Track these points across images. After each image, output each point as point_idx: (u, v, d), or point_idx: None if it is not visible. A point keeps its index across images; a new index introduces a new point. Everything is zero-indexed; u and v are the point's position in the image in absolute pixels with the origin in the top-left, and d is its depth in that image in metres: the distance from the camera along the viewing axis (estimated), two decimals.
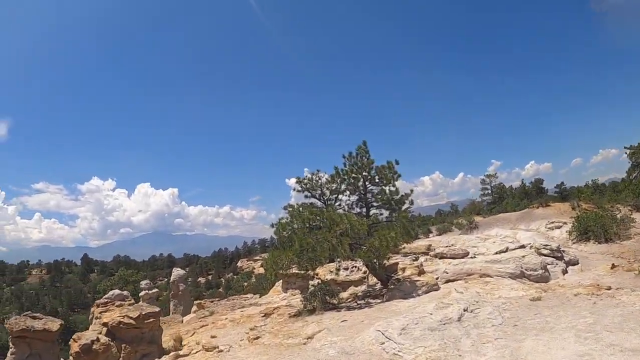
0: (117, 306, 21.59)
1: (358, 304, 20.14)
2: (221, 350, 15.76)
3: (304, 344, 14.74)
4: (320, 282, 23.39)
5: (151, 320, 17.40)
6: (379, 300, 20.02)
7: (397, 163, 22.97)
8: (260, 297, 34.74)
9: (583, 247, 32.05)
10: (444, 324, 13.51)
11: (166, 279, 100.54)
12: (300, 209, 21.57)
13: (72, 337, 14.69)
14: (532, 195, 66.49)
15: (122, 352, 16.85)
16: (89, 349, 13.60)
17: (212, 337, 19.56)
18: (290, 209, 21.65)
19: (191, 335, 21.22)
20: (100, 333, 17.06)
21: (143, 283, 45.36)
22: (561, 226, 39.82)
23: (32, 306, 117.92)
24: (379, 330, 13.43)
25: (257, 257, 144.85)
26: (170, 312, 44.57)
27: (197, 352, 16.46)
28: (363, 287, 23.84)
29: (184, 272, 50.22)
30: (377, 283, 23.00)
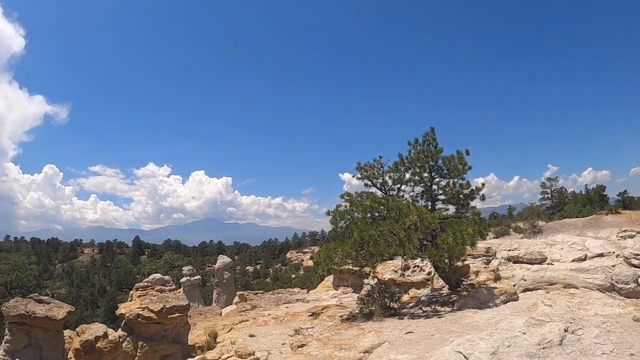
0: (157, 291, 19.38)
1: (424, 312, 17.18)
2: (257, 359, 13.14)
3: (360, 359, 11.96)
4: (378, 281, 20.61)
5: (176, 315, 14.84)
6: (448, 309, 17.02)
7: (467, 153, 20.18)
8: (307, 292, 32.51)
9: None
10: (544, 349, 10.38)
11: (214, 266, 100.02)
12: (361, 197, 18.92)
13: (77, 329, 12.02)
14: (594, 202, 62.48)
15: (139, 350, 14.38)
16: (91, 347, 10.95)
17: (251, 335, 17.16)
18: (349, 197, 19.02)
19: (228, 332, 18.85)
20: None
21: (185, 269, 43.53)
22: (634, 235, 36.13)
23: (82, 283, 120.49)
24: (460, 352, 10.35)
25: (307, 250, 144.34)
26: (213, 301, 42.94)
27: (228, 357, 13.86)
28: (426, 291, 20.91)
29: (230, 260, 48.28)
30: (443, 287, 20.06)
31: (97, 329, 11.58)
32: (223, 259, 46.92)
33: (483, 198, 20.53)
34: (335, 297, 26.42)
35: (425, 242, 17.43)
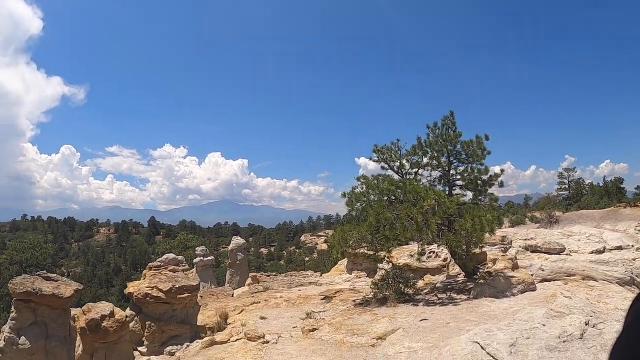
0: (170, 271, 19.18)
1: (439, 299, 16.77)
2: (267, 342, 12.79)
3: (373, 346, 11.58)
4: (392, 266, 20.21)
5: (185, 295, 14.51)
6: (464, 297, 16.59)
7: (487, 139, 19.59)
8: (321, 275, 32.22)
9: None
10: (564, 342, 9.91)
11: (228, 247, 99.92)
12: (378, 180, 18.50)
13: (83, 307, 11.66)
14: (612, 195, 61.64)
15: (146, 330, 14.10)
16: (97, 326, 10.58)
17: (262, 318, 16.88)
18: (365, 180, 18.60)
19: (239, 313, 18.58)
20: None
21: (199, 249, 43.36)
22: None
23: (97, 262, 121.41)
24: (477, 342, 9.95)
25: (321, 233, 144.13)
26: (227, 282, 42.84)
27: (237, 339, 13.56)
28: (442, 278, 20.50)
29: (244, 241, 48.07)
30: (459, 274, 19.64)
31: (103, 307, 11.20)
32: (237, 241, 46.70)
33: (502, 185, 20.05)
34: (349, 281, 26.08)
35: (442, 228, 17.01)
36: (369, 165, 19.80)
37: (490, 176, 19.57)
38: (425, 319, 13.37)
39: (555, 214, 48.13)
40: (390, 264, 21.36)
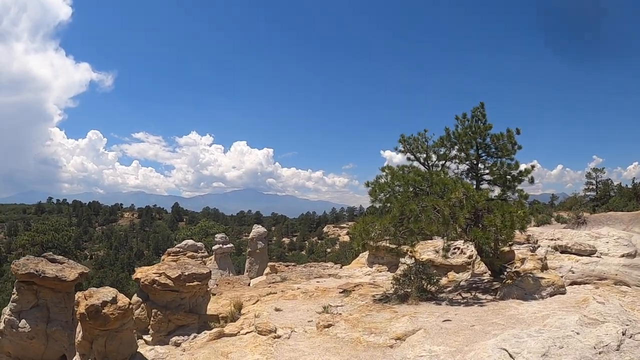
0: (188, 257, 18.67)
1: (463, 298, 15.90)
2: (278, 336, 12.13)
3: (391, 347, 10.83)
4: (415, 261, 19.45)
5: (194, 283, 13.81)
6: (490, 297, 15.70)
7: (518, 132, 18.76)
8: (341, 267, 31.64)
9: None
10: (600, 353, 8.86)
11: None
12: (403, 170, 17.73)
13: (85, 292, 10.99)
14: None
15: (152, 318, 13.49)
16: (97, 312, 9.87)
17: (277, 310, 16.34)
18: (390, 170, 17.83)
19: (254, 303, 18.04)
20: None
21: (218, 236, 42.97)
22: None
23: (120, 246, 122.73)
24: (505, 349, 9.04)
25: (344, 225, 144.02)
26: (245, 270, 42.63)
27: (247, 332, 12.93)
28: (466, 275, 19.66)
29: (264, 230, 47.60)
30: (485, 272, 18.77)
31: (106, 293, 10.47)
32: (258, 229, 46.28)
33: (532, 181, 19.15)
34: (369, 274, 25.40)
35: (469, 223, 16.20)
36: (394, 158, 19.18)
37: (520, 171, 18.72)
38: (448, 320, 12.57)
39: (583, 215, 47.12)
40: (413, 258, 20.61)
